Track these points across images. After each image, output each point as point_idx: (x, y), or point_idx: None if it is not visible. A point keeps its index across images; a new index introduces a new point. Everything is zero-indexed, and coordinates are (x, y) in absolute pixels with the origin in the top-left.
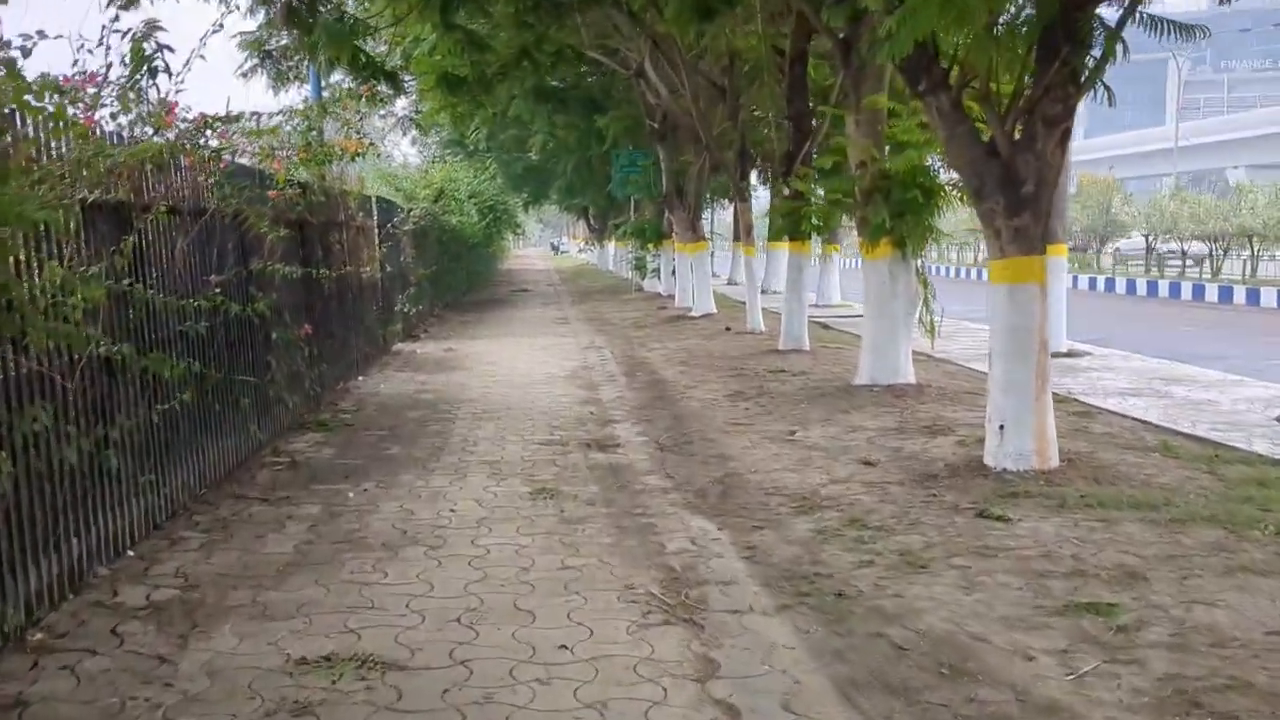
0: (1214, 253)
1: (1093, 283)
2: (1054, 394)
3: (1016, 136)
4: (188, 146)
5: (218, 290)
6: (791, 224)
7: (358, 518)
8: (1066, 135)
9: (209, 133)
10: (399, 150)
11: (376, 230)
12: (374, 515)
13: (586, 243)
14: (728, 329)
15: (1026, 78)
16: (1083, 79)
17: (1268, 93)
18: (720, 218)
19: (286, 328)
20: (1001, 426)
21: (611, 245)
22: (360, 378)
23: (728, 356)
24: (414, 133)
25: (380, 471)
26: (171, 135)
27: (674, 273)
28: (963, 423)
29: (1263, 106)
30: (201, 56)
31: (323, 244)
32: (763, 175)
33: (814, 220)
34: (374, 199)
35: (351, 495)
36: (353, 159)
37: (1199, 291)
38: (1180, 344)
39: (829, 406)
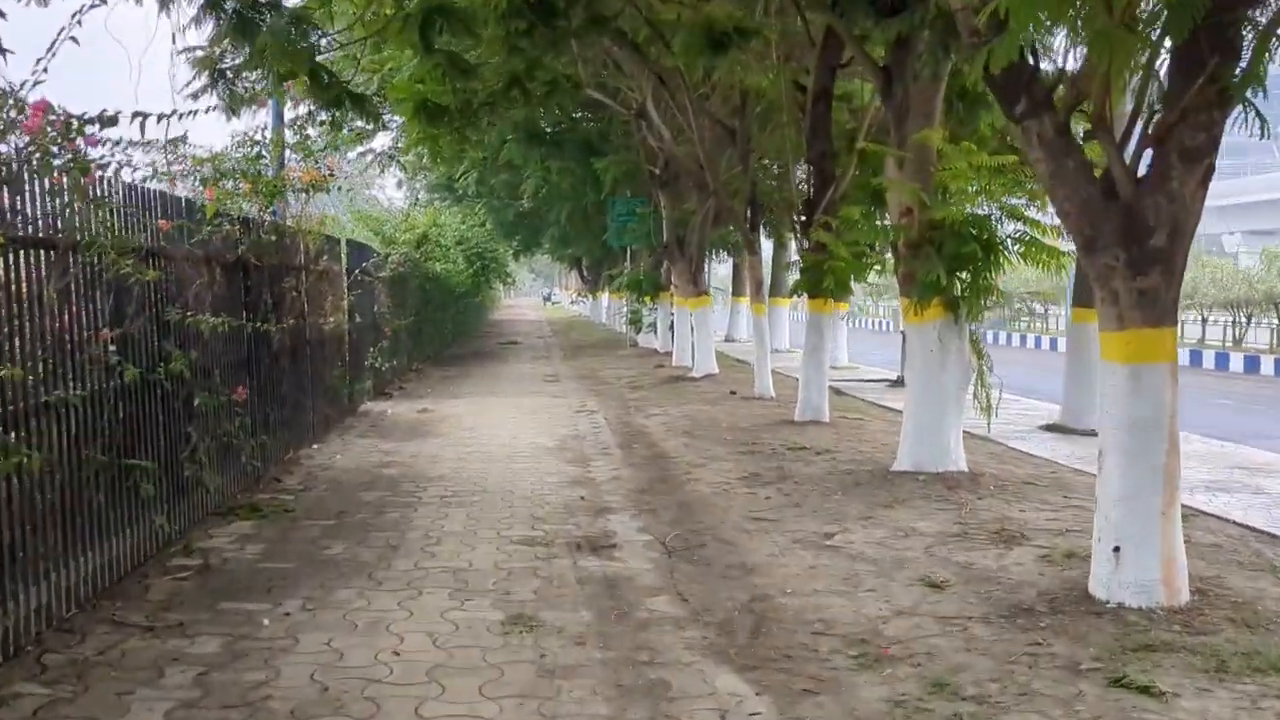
0: (1237, 320)
1: None
2: None
3: (1141, 173)
4: (47, 157)
5: (112, 348)
6: (812, 280)
7: (267, 662)
8: (1209, 173)
9: (81, 140)
10: (384, 194)
11: (345, 276)
12: (290, 658)
13: (579, 294)
14: (733, 393)
15: (1151, 99)
16: (1230, 98)
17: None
18: (714, 270)
19: (215, 391)
20: (1117, 549)
21: (605, 297)
22: (316, 445)
23: (737, 428)
24: (399, 174)
25: (313, 583)
26: (24, 141)
27: (671, 328)
28: (1037, 527)
29: (1254, 174)
30: (74, 39)
31: (272, 290)
32: (768, 228)
33: (838, 276)
34: (342, 241)
35: (267, 622)
36: (310, 192)
37: (1223, 361)
38: (1223, 420)
39: (868, 499)
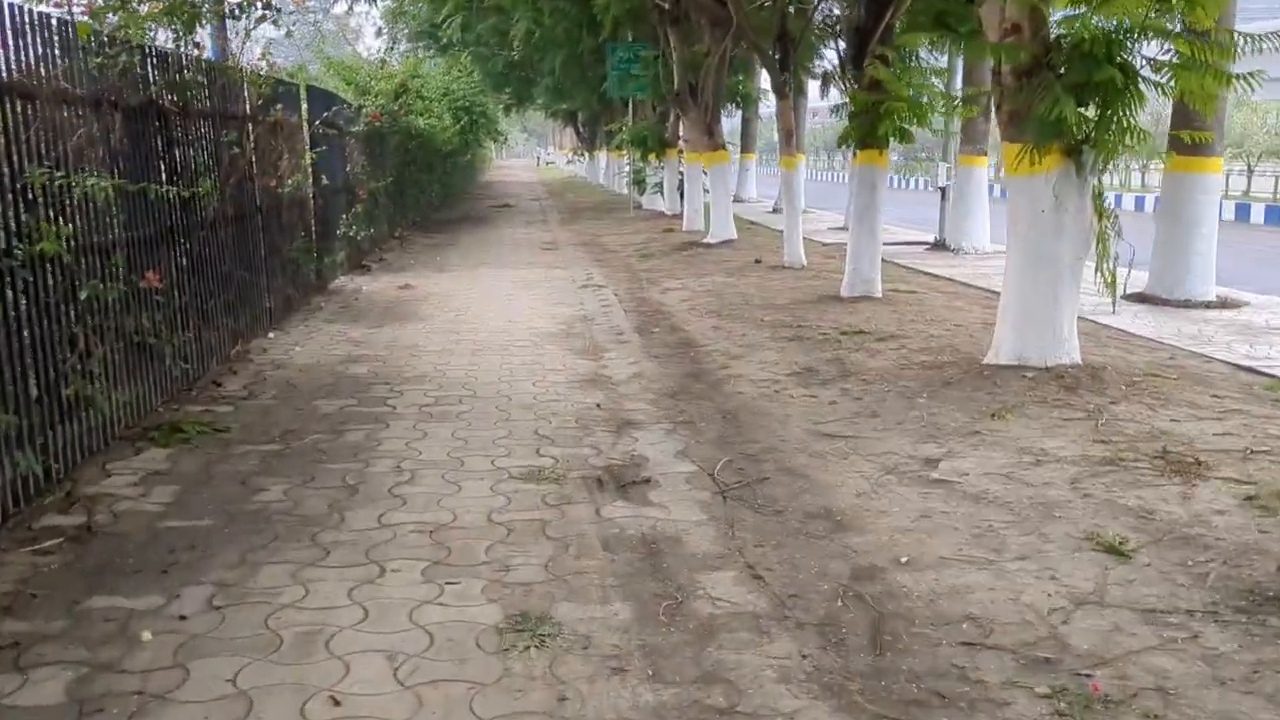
0: None
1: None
2: (1252, 368)
3: None
4: None
5: None
6: (865, 126)
7: (130, 710)
8: None
9: None
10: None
11: (306, 130)
12: (169, 710)
13: (575, 153)
14: (758, 262)
15: None
16: None
17: None
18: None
19: (116, 278)
20: None
21: (604, 156)
22: (272, 334)
23: (773, 305)
24: (378, 21)
25: (231, 553)
26: None
27: (680, 188)
28: (1208, 446)
29: None
30: None
31: (204, 146)
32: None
33: (899, 120)
34: (301, 87)
35: (147, 636)
36: (246, 18)
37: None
38: None
39: (966, 404)
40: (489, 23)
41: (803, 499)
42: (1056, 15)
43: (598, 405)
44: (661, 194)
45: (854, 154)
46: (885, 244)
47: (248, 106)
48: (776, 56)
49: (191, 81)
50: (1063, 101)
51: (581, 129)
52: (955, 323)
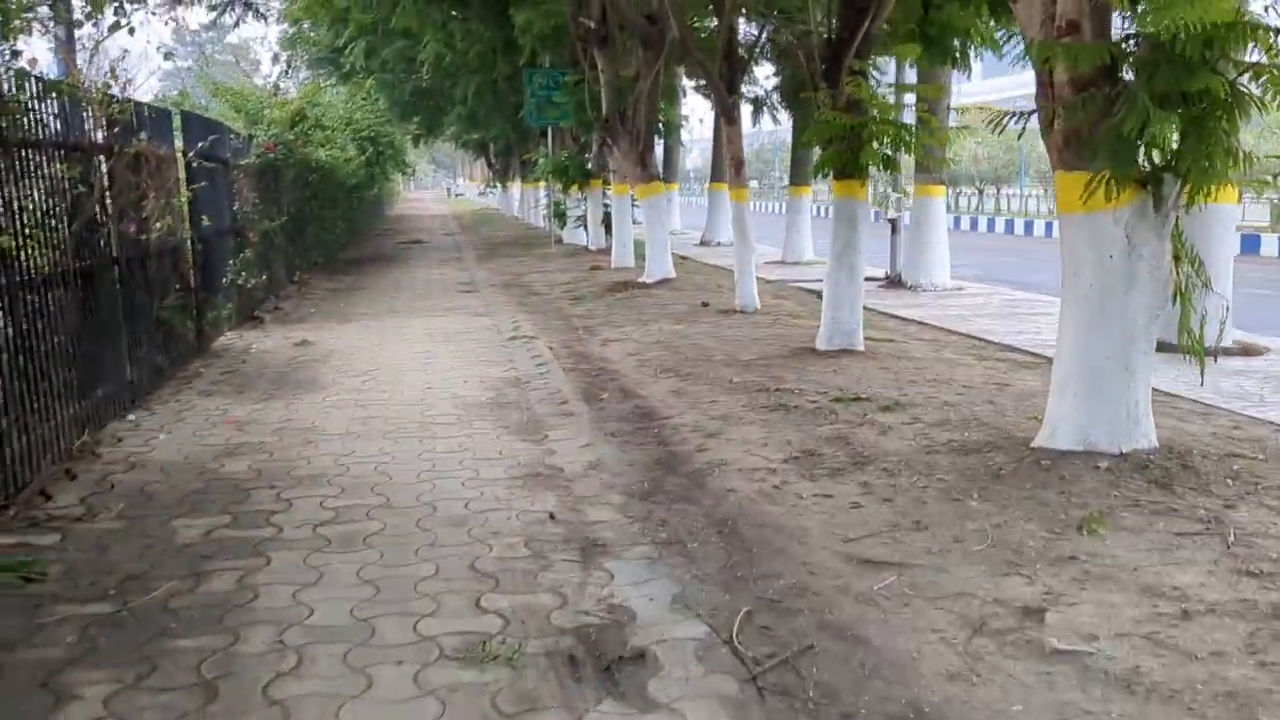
0: None
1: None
2: None
3: None
4: None
5: None
6: (844, 153)
7: None
8: None
9: None
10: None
11: (183, 163)
12: None
13: (487, 185)
14: (705, 305)
15: None
16: None
17: None
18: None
19: None
20: None
21: (517, 187)
22: (133, 415)
23: (738, 360)
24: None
25: None
26: None
27: (605, 223)
28: None
29: None
30: None
31: (32, 183)
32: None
33: (884, 145)
34: (177, 114)
35: None
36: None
37: None
38: None
39: (1035, 509)
40: (395, 47)
41: (873, 686)
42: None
43: (551, 516)
44: (585, 228)
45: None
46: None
47: (98, 135)
48: (723, 78)
49: (10, 102)
50: (1154, 117)
51: (494, 160)
52: (963, 384)
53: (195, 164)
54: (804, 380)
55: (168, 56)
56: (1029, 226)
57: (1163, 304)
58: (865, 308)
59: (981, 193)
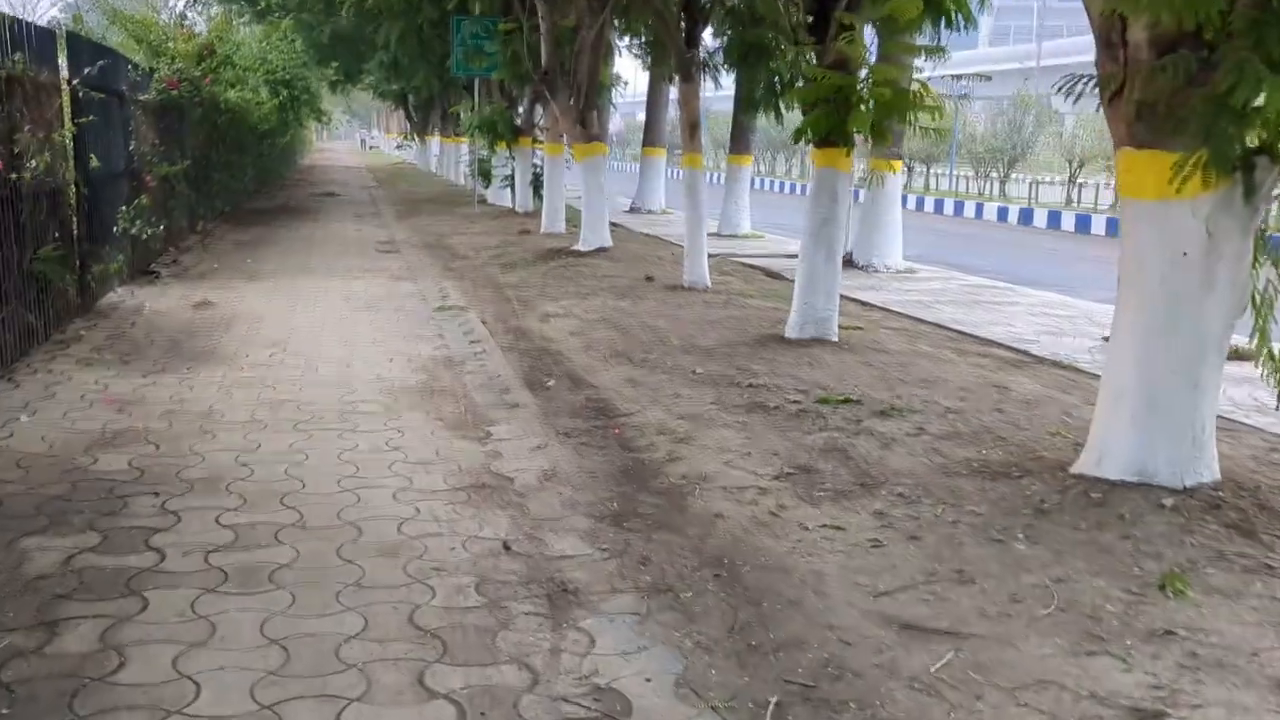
0: None
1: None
2: None
3: None
4: None
5: None
6: (829, 118)
7: None
8: None
9: None
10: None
11: (64, 93)
12: None
13: (405, 138)
14: (649, 279)
15: None
16: None
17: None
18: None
19: None
20: None
21: (436, 142)
22: (10, 376)
23: (697, 346)
24: None
25: None
26: None
27: (533, 184)
28: None
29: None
30: None
31: None
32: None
33: (869, 110)
34: (57, 35)
35: None
36: None
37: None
38: None
39: (1097, 557)
40: None
41: None
42: None
43: (506, 547)
44: (512, 189)
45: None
46: (776, 255)
47: None
48: (682, 31)
49: None
50: (1270, 85)
51: (413, 112)
52: (957, 385)
53: (83, 95)
54: (777, 374)
55: None
56: (959, 207)
57: (1241, 312)
58: (847, 295)
59: (910, 170)
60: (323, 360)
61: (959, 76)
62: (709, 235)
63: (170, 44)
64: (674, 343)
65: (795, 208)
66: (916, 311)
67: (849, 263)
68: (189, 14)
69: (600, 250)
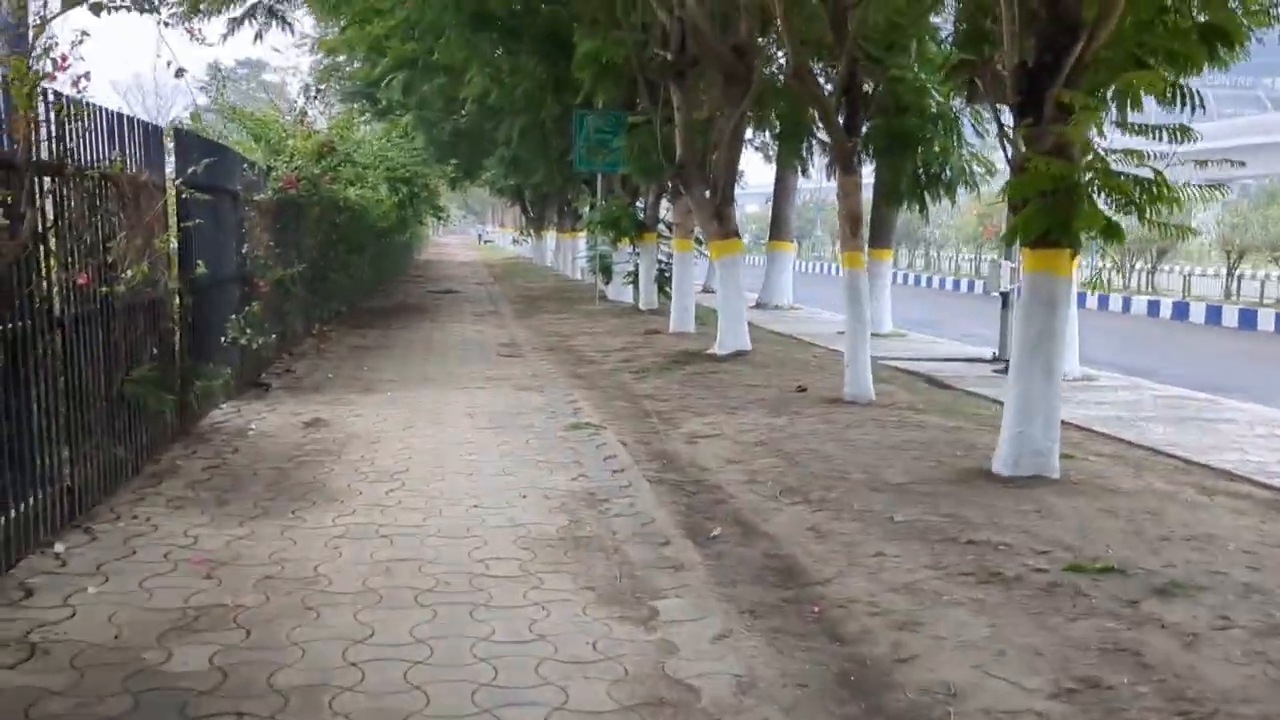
0: None
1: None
2: None
3: None
4: None
5: None
6: (1048, 214)
7: None
8: None
9: None
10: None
11: (167, 193)
12: None
13: (521, 232)
14: (802, 389)
15: None
16: None
17: None
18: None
19: None
20: None
21: (552, 236)
22: (60, 548)
23: (884, 481)
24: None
25: None
26: None
27: (659, 279)
28: None
29: None
30: None
31: None
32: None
33: (1090, 204)
34: (159, 130)
35: None
36: None
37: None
38: None
39: None
40: (435, 83)
41: None
42: None
43: None
44: (635, 285)
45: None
46: (929, 358)
47: (33, 146)
48: (842, 110)
49: None
50: None
51: (530, 207)
52: (1237, 545)
53: (190, 196)
54: (1001, 526)
55: (179, 74)
56: (1104, 300)
57: None
58: (994, 399)
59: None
60: (446, 498)
61: (1203, 162)
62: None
63: (290, 141)
64: (855, 476)
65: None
66: (1120, 431)
67: None
68: (310, 111)
69: (739, 354)
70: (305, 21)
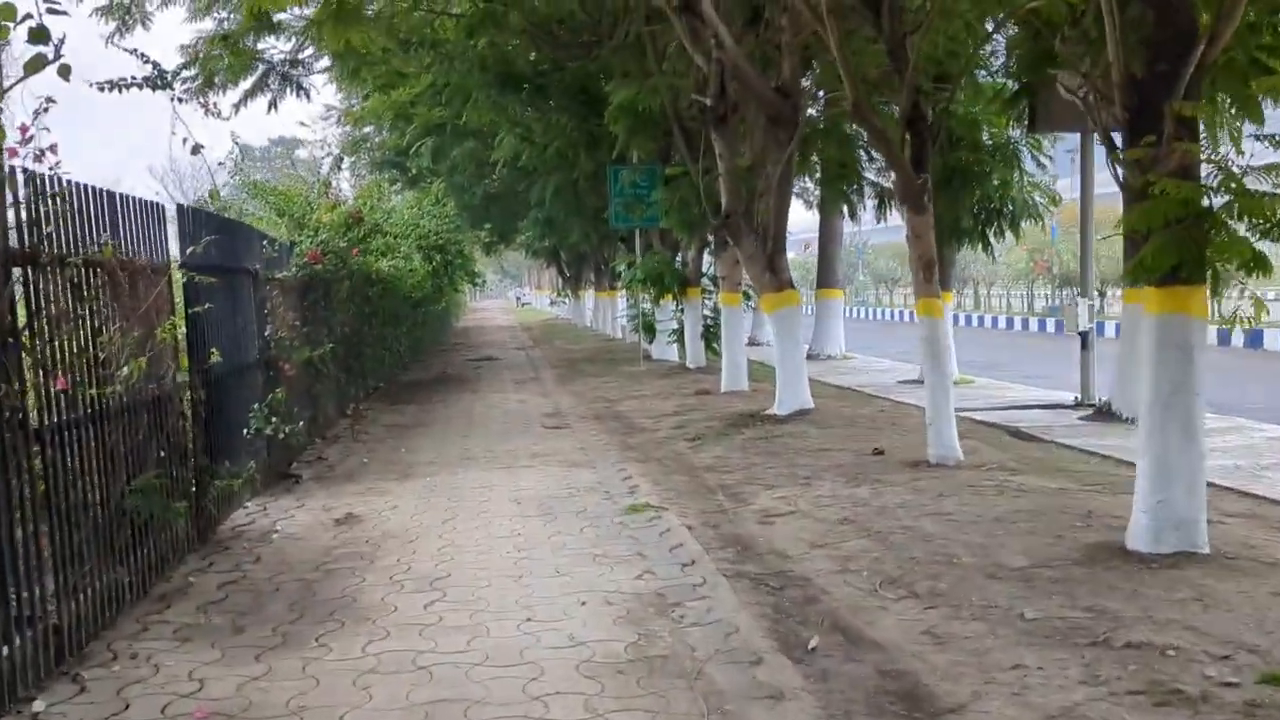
0: None
1: None
2: None
3: None
4: None
5: None
6: (1178, 245)
7: None
8: None
9: None
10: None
11: (178, 278)
12: None
13: (559, 293)
14: (879, 453)
15: None
16: None
17: None
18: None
19: None
20: None
21: (590, 296)
22: (42, 699)
23: (1003, 565)
24: (332, 148)
25: None
26: None
27: (706, 336)
28: None
29: None
30: None
31: None
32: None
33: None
34: (159, 209)
35: None
36: None
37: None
38: None
39: None
40: (465, 147)
41: None
42: None
43: None
44: (681, 343)
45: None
46: (1005, 406)
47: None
48: (908, 146)
49: None
50: None
51: (566, 267)
52: None
53: (199, 280)
54: (1160, 622)
55: (195, 151)
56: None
57: None
58: (1093, 451)
59: (1103, 295)
60: (494, 610)
61: None
62: (909, 382)
63: (314, 214)
64: (965, 560)
65: (982, 342)
66: (1248, 484)
67: (1107, 413)
68: (334, 180)
69: (801, 413)
70: (327, 91)
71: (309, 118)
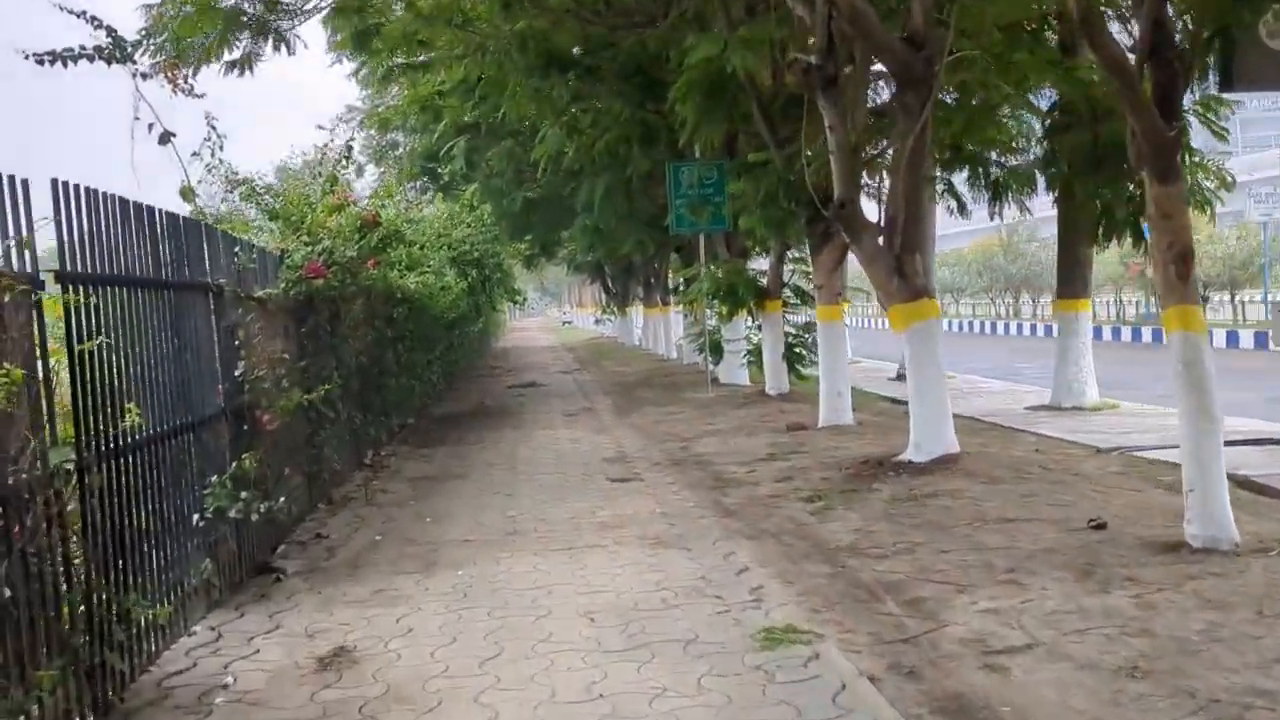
0: None
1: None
2: None
3: None
4: None
5: None
6: None
7: None
8: None
9: None
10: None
11: (52, 298)
12: None
13: (605, 311)
14: (1097, 525)
15: None
16: None
17: None
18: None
19: None
20: None
21: (638, 313)
22: None
23: None
24: (358, 156)
25: None
26: None
27: (788, 358)
28: None
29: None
30: None
31: None
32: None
33: None
34: (17, 184)
35: None
36: None
37: None
38: None
39: None
40: (502, 147)
41: None
42: None
43: None
44: (759, 366)
45: None
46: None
47: None
48: (1164, 88)
49: None
50: None
51: (611, 283)
52: None
53: (98, 299)
54: None
55: (164, 140)
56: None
57: None
58: None
59: (1206, 300)
60: None
61: None
62: (1040, 408)
63: (312, 215)
64: None
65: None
66: None
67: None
68: (340, 175)
69: (946, 460)
70: (350, 93)
71: (326, 119)
